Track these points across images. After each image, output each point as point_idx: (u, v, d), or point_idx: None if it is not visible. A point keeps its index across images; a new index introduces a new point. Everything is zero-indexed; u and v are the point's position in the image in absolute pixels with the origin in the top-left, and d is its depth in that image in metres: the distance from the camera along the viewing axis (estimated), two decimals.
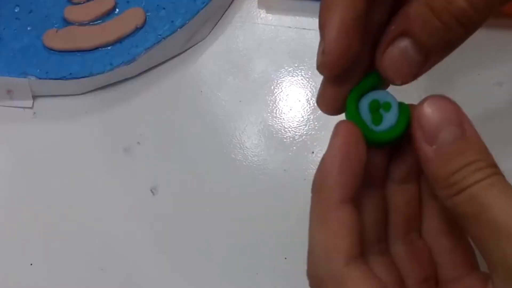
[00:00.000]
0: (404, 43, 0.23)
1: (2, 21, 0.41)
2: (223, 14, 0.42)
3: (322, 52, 0.22)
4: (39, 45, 0.40)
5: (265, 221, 0.35)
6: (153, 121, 0.39)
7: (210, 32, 0.41)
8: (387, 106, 0.25)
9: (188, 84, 0.40)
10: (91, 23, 0.40)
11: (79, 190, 0.36)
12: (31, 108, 0.40)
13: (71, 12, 0.41)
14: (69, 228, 0.35)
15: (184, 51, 0.41)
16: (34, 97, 0.40)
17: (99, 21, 0.40)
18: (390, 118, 0.25)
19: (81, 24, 0.40)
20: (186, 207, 0.35)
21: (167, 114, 0.39)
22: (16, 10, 0.41)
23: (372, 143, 0.24)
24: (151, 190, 0.36)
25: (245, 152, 0.37)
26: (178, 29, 0.39)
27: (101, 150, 0.38)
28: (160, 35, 0.39)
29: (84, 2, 0.41)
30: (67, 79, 0.39)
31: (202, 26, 0.41)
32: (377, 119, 0.25)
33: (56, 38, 0.40)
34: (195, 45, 0.41)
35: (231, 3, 0.42)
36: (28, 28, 0.41)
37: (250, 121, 0.38)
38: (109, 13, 0.41)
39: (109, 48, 0.39)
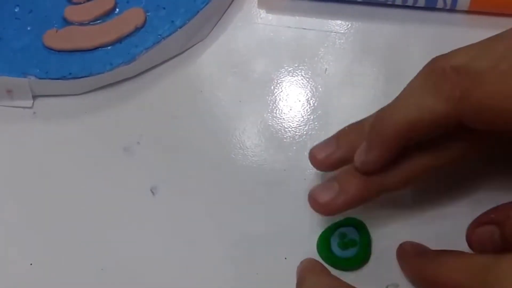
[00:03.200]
0: (492, 228, 0.30)
1: (2, 21, 0.41)
2: (223, 14, 0.42)
3: (363, 162, 0.30)
4: (39, 45, 0.40)
5: (265, 221, 0.35)
6: (153, 121, 0.39)
7: (210, 32, 0.41)
8: (353, 243, 0.33)
9: (188, 84, 0.40)
10: (91, 23, 0.40)
11: (79, 190, 0.36)
12: (31, 108, 0.40)
13: (71, 12, 0.41)
14: (69, 228, 0.35)
15: (184, 51, 0.41)
16: (34, 97, 0.40)
17: (99, 21, 0.40)
18: (352, 251, 0.33)
19: (81, 24, 0.40)
20: (186, 207, 0.35)
21: (167, 114, 0.39)
22: (16, 10, 0.41)
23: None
24: (151, 190, 0.36)
25: (245, 152, 0.37)
26: (178, 29, 0.39)
27: (101, 150, 0.38)
28: (160, 35, 0.39)
29: (84, 2, 0.41)
30: (67, 79, 0.39)
31: (202, 26, 0.41)
32: (344, 248, 0.33)
33: (56, 38, 0.40)
34: (195, 45, 0.41)
35: (231, 3, 0.42)
36: (28, 28, 0.41)
37: (250, 121, 0.38)
38: (109, 13, 0.41)
39: (109, 48, 0.39)
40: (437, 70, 0.27)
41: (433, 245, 0.31)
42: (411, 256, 0.32)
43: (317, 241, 0.34)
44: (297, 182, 0.35)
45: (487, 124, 0.27)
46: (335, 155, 0.32)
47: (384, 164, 0.29)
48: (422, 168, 0.30)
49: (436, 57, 0.29)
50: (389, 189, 0.31)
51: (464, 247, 0.31)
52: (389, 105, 0.29)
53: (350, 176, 0.31)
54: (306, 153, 0.34)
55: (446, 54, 0.28)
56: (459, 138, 0.29)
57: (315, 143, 0.34)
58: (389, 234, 0.33)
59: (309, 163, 0.34)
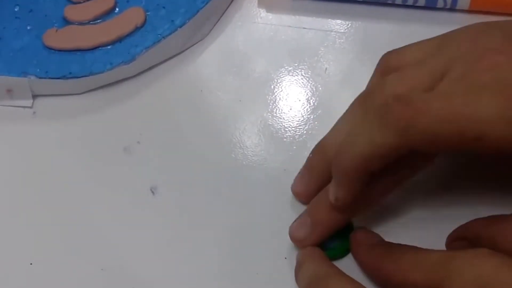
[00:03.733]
0: (465, 244, 0.31)
1: (2, 20, 0.41)
2: (223, 14, 0.42)
3: (336, 199, 0.31)
4: (39, 45, 0.40)
5: (265, 221, 0.35)
6: (153, 120, 0.38)
7: (210, 31, 0.41)
8: (336, 234, 0.33)
9: (188, 83, 0.40)
10: (91, 22, 0.40)
11: (79, 190, 0.36)
12: (31, 107, 0.40)
13: (71, 12, 0.41)
14: (69, 227, 0.35)
15: (184, 51, 0.41)
16: (34, 97, 0.40)
17: (99, 21, 0.40)
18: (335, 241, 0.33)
19: (81, 23, 0.40)
20: (186, 207, 0.35)
21: (167, 113, 0.39)
22: (16, 9, 0.41)
23: None
24: (151, 190, 0.36)
25: (245, 152, 0.37)
26: (178, 29, 0.39)
27: (101, 150, 0.38)
28: (160, 34, 0.39)
29: (84, 2, 0.41)
30: (67, 78, 0.39)
31: (202, 25, 0.41)
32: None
33: (56, 38, 0.40)
34: (195, 44, 0.41)
35: (231, 2, 0.42)
36: (28, 28, 0.40)
37: (250, 121, 0.38)
38: (109, 13, 0.41)
39: (109, 47, 0.39)
40: (380, 102, 0.28)
41: (416, 240, 0.31)
42: (364, 247, 0.32)
43: None
44: None
45: (438, 149, 0.28)
46: (310, 186, 0.34)
47: (355, 196, 0.30)
48: (384, 191, 0.32)
49: (373, 83, 0.32)
50: (357, 214, 0.33)
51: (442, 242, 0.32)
52: (344, 142, 0.30)
53: (321, 207, 0.32)
54: (306, 153, 0.34)
55: (382, 82, 0.30)
56: (414, 157, 0.30)
57: (315, 143, 0.34)
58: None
59: None
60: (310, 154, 0.34)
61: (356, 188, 0.30)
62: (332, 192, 0.31)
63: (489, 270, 0.25)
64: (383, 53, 0.32)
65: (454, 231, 0.32)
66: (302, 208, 0.34)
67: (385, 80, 0.29)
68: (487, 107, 0.26)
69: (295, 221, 0.33)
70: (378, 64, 0.32)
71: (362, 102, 0.31)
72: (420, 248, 0.29)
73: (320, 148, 0.34)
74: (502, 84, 0.26)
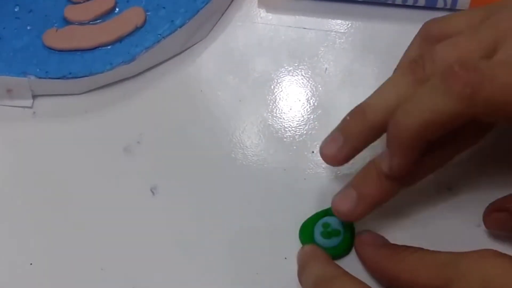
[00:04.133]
0: (506, 215, 0.31)
1: (2, 20, 0.41)
2: (223, 14, 0.42)
3: (390, 168, 0.30)
4: (39, 45, 0.40)
5: (265, 221, 0.35)
6: (153, 120, 0.38)
7: (210, 31, 0.41)
8: (337, 233, 0.33)
9: (188, 83, 0.40)
10: (91, 22, 0.40)
11: (79, 190, 0.36)
12: (30, 107, 0.40)
13: (71, 12, 0.41)
14: (69, 227, 0.35)
15: (184, 51, 0.41)
16: (34, 97, 0.40)
17: (99, 21, 0.40)
18: (335, 241, 0.33)
19: (81, 23, 0.40)
20: (186, 207, 0.35)
21: (167, 113, 0.39)
22: (16, 10, 0.41)
23: None
24: (151, 190, 0.36)
25: (245, 152, 0.37)
26: (178, 29, 0.39)
27: (101, 150, 0.38)
28: (160, 34, 0.39)
29: (84, 2, 0.41)
30: (67, 78, 0.39)
31: (202, 25, 0.41)
32: (327, 237, 0.33)
33: (56, 38, 0.40)
34: (195, 44, 0.41)
35: (231, 2, 0.42)
36: (28, 28, 0.41)
37: (250, 121, 0.38)
38: (109, 13, 0.41)
39: (109, 47, 0.39)
40: (448, 70, 0.27)
41: (416, 240, 0.31)
42: (370, 248, 0.32)
43: (300, 229, 0.34)
44: (297, 182, 0.35)
45: (501, 117, 0.28)
46: (344, 149, 0.32)
47: (410, 165, 0.30)
48: (436, 163, 0.31)
49: (421, 50, 0.30)
50: (406, 186, 0.32)
51: (446, 243, 0.31)
52: (401, 109, 0.29)
53: (368, 179, 0.31)
54: (306, 153, 0.34)
55: (433, 49, 0.29)
56: (469, 129, 0.30)
57: (315, 143, 0.34)
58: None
59: (309, 163, 0.34)
60: (346, 116, 0.32)
61: (412, 157, 0.29)
62: (386, 161, 0.30)
63: (495, 271, 0.25)
64: (384, 54, 0.32)
65: (493, 203, 0.32)
66: (301, 207, 0.34)
67: (437, 48, 0.29)
68: None
69: (337, 194, 0.32)
70: (418, 33, 0.32)
71: (411, 68, 0.30)
72: (426, 249, 0.29)
73: (360, 111, 0.32)
74: None
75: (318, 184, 0.35)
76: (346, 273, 0.30)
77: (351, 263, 0.33)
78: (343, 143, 0.31)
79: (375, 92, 0.31)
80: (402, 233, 0.33)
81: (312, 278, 0.30)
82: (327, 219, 0.33)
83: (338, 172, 0.35)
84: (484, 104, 0.26)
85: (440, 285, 0.26)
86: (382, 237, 0.33)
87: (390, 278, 0.30)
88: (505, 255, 0.26)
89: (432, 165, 0.32)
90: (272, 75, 0.40)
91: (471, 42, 0.29)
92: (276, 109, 0.38)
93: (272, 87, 0.39)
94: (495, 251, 0.26)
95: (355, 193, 0.31)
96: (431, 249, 0.29)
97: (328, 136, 0.32)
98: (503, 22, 0.28)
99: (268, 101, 0.39)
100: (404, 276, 0.28)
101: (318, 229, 0.33)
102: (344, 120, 0.32)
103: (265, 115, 0.38)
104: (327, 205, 0.33)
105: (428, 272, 0.27)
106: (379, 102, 0.31)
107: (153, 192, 0.36)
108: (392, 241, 0.32)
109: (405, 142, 0.29)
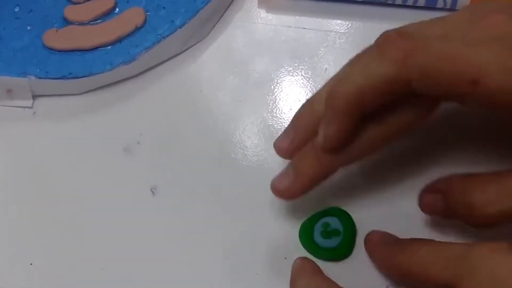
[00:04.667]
0: (439, 196, 0.31)
1: (2, 20, 0.41)
2: (223, 14, 0.42)
3: (325, 136, 0.29)
4: (39, 45, 0.40)
5: (265, 221, 0.35)
6: (153, 121, 0.39)
7: (210, 31, 0.41)
8: (337, 233, 0.33)
9: (188, 83, 0.40)
10: (91, 22, 0.40)
11: (79, 190, 0.36)
12: (31, 107, 0.40)
13: (71, 12, 0.41)
14: (69, 227, 0.35)
15: (184, 51, 0.41)
16: (34, 97, 0.40)
17: (99, 21, 0.40)
18: (335, 241, 0.33)
19: (81, 23, 0.40)
20: (186, 207, 0.35)
21: (167, 113, 0.39)
22: (16, 10, 0.41)
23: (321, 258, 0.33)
24: (151, 190, 0.36)
25: (245, 152, 0.37)
26: (178, 29, 0.39)
27: (101, 150, 0.38)
28: (160, 34, 0.39)
29: (84, 2, 0.41)
30: (67, 78, 0.39)
31: (202, 25, 0.41)
32: (326, 237, 0.33)
33: (56, 38, 0.40)
34: (195, 44, 0.41)
35: (231, 2, 0.42)
36: (28, 28, 0.41)
37: (250, 121, 0.38)
38: (109, 13, 0.41)
39: (109, 47, 0.39)
40: (383, 37, 0.28)
41: (419, 235, 0.31)
42: (380, 246, 0.32)
43: (299, 230, 0.34)
44: None
45: (436, 90, 0.27)
46: (295, 140, 0.32)
47: (345, 137, 0.29)
48: (375, 139, 0.30)
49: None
50: (344, 164, 0.31)
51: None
52: (337, 77, 0.30)
53: (305, 158, 0.31)
54: None
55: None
56: (410, 105, 0.30)
57: None
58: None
59: None
60: (297, 110, 0.33)
61: (346, 125, 0.29)
62: (321, 131, 0.30)
63: (506, 268, 0.24)
64: None
65: (429, 184, 0.32)
66: (301, 207, 0.34)
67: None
68: (487, 53, 0.26)
69: (277, 175, 0.32)
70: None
71: (358, 56, 0.30)
72: (437, 241, 0.29)
73: (308, 102, 0.32)
74: (503, 38, 0.26)
75: None
76: (333, 284, 0.29)
77: (351, 264, 0.33)
78: (294, 135, 0.32)
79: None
80: (397, 223, 0.33)
81: None
82: (327, 219, 0.33)
83: (338, 172, 0.35)
84: (417, 71, 0.27)
85: (451, 279, 0.26)
86: (391, 234, 0.32)
87: (401, 273, 0.29)
88: None
89: (372, 142, 0.30)
90: (272, 75, 0.40)
91: (420, 30, 0.29)
92: (276, 109, 0.38)
93: (272, 87, 0.39)
94: (509, 244, 0.25)
95: (292, 171, 0.31)
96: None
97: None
98: (452, 19, 0.29)
99: (268, 101, 0.39)
100: (415, 269, 0.28)
101: (318, 229, 0.33)
102: (294, 114, 0.33)
103: (265, 115, 0.38)
104: (327, 205, 0.33)
105: (438, 266, 0.27)
106: (322, 91, 0.32)
107: (153, 192, 0.36)
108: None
109: (340, 109, 0.28)
